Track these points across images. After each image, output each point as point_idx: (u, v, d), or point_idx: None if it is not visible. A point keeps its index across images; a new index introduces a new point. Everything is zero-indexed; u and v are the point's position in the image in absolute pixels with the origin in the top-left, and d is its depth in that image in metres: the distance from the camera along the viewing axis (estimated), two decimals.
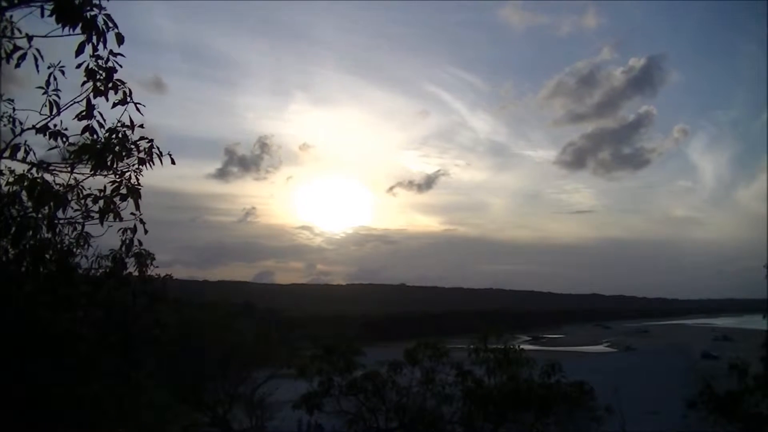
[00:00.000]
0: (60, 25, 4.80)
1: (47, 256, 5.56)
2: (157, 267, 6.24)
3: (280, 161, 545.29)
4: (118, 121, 5.49)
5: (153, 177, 5.90)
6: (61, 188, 5.44)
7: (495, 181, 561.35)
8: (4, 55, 5.01)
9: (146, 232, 5.87)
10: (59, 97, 5.28)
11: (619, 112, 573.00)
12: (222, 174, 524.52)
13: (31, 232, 5.27)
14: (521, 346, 19.88)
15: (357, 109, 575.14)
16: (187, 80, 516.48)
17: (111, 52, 5.08)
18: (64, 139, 5.53)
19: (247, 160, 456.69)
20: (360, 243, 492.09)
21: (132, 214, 5.73)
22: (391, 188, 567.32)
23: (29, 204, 5.30)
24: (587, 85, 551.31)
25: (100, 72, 5.15)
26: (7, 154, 5.37)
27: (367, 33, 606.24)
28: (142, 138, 5.65)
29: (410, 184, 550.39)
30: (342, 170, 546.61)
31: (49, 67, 5.16)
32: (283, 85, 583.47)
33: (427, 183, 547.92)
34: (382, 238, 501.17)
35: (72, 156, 5.53)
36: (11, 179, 5.44)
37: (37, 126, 5.41)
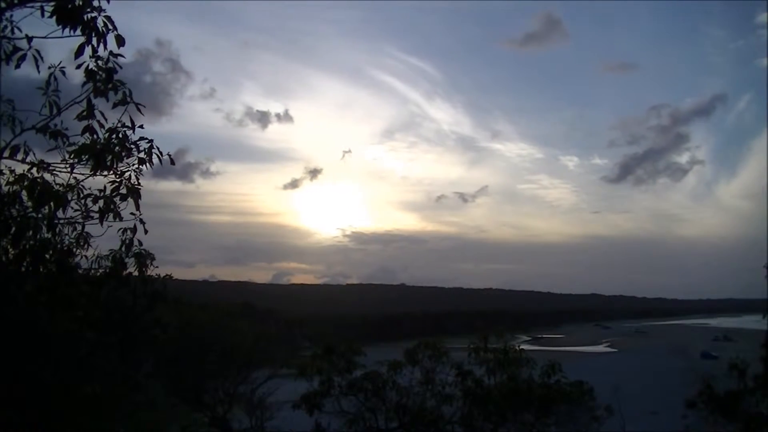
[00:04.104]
0: (60, 26, 4.82)
1: (47, 256, 5.55)
2: (157, 267, 6.25)
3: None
4: (119, 121, 5.51)
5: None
6: (61, 188, 5.43)
7: (469, 177, 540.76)
8: (3, 56, 5.02)
9: (146, 232, 5.88)
10: (59, 98, 5.30)
11: (672, 130, 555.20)
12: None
13: (31, 232, 5.27)
14: (521, 346, 19.83)
15: (308, 100, 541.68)
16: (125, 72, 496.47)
17: (111, 53, 5.11)
18: (65, 140, 5.55)
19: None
20: (386, 243, 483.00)
21: (132, 214, 5.73)
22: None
23: (29, 204, 5.30)
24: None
25: (100, 73, 5.17)
26: (7, 154, 5.37)
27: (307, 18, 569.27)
28: (142, 138, 5.67)
29: (383, 178, 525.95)
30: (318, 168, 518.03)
31: (49, 68, 5.18)
32: (230, 75, 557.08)
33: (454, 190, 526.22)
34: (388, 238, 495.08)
35: (72, 156, 5.54)
36: (11, 179, 5.43)
37: (38, 126, 5.42)
